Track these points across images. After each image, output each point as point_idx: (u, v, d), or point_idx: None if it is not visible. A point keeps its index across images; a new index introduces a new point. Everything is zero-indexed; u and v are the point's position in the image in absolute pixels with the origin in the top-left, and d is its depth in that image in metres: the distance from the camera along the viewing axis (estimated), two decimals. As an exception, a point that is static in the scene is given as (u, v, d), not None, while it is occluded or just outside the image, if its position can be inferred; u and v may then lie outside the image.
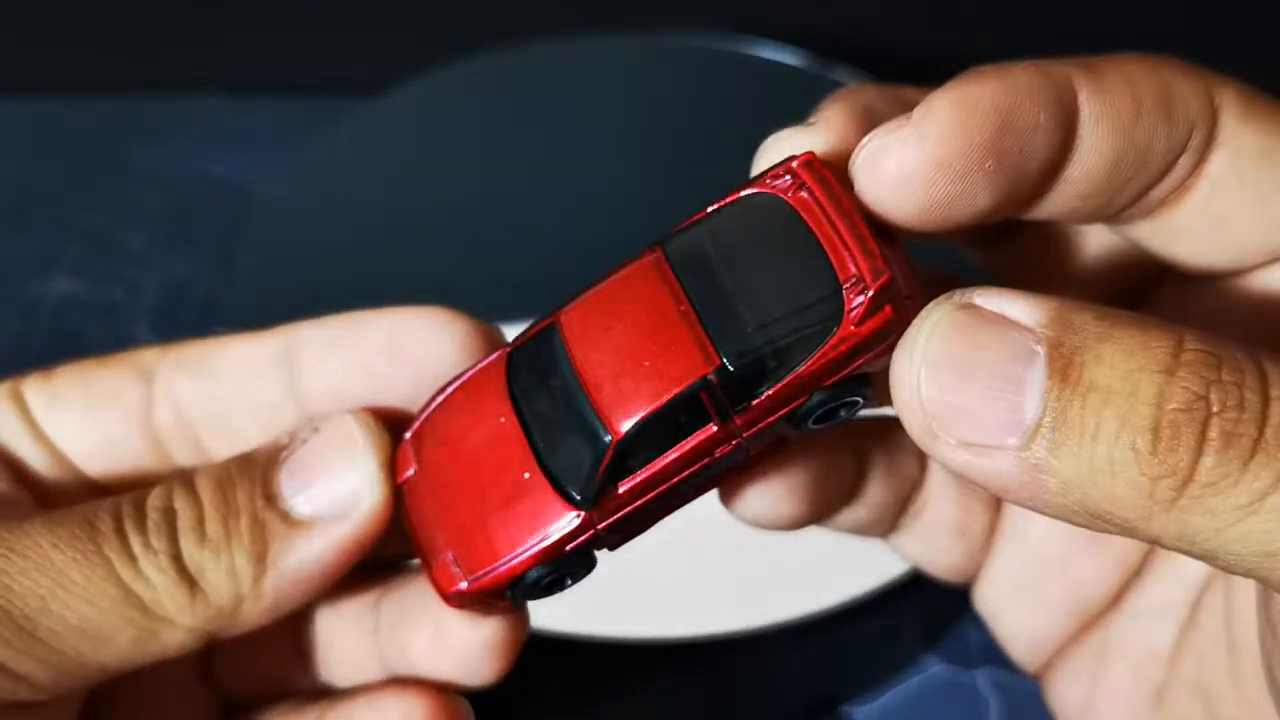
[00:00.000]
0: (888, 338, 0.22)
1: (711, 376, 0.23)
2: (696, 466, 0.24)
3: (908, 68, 0.66)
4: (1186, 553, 0.21)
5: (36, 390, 0.28)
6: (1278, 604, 0.24)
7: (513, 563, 0.24)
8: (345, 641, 0.29)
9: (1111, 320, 0.20)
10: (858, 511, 0.29)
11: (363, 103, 0.63)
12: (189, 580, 0.24)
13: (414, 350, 0.27)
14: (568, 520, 0.24)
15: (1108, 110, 0.23)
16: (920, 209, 0.23)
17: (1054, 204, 0.24)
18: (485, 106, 0.64)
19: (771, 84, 0.64)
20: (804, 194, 0.23)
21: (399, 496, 0.26)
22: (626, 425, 0.23)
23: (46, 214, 0.63)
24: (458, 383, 0.26)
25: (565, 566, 0.25)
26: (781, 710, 0.44)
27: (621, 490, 0.24)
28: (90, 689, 0.26)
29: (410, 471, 0.26)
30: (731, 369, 0.23)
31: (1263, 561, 0.20)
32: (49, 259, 0.61)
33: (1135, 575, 0.29)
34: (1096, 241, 0.28)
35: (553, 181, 0.61)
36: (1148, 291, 0.28)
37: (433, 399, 0.26)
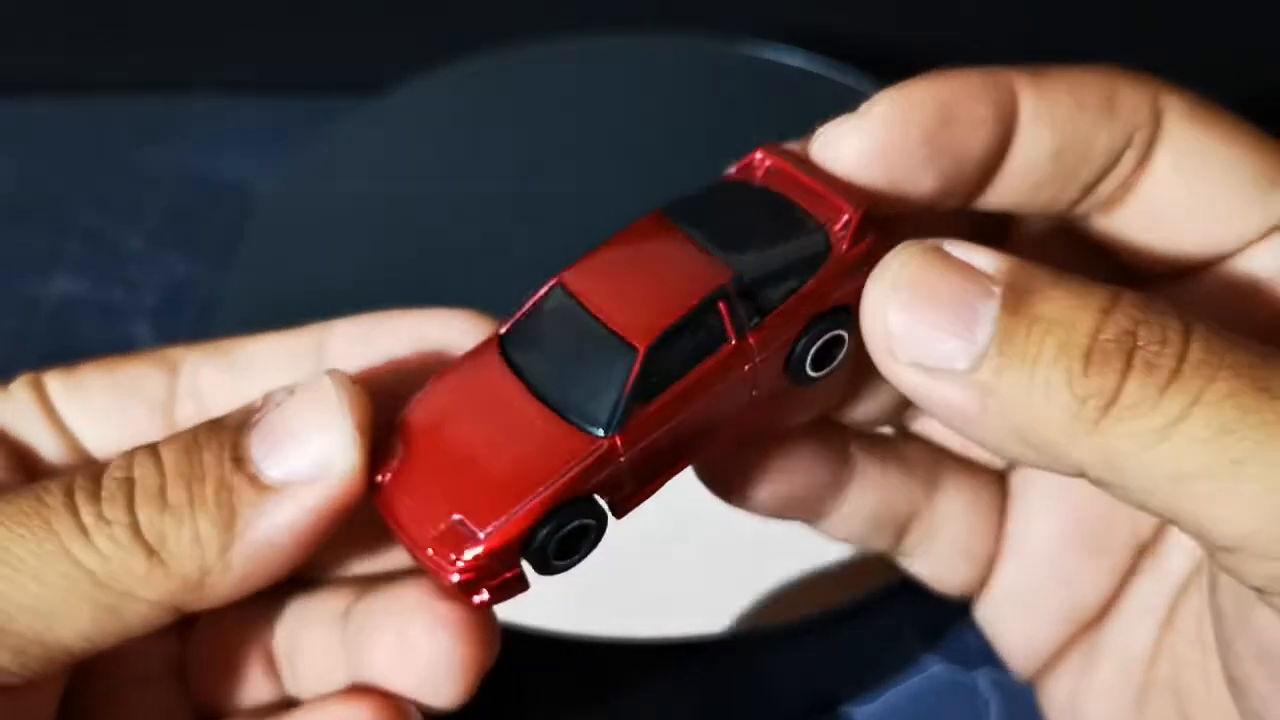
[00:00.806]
0: (871, 263, 0.24)
1: (729, 285, 0.24)
2: (715, 392, 0.24)
3: (908, 68, 0.66)
4: (1107, 485, 0.22)
5: (59, 381, 0.28)
6: (1222, 590, 0.24)
7: (531, 502, 0.23)
8: (313, 652, 0.28)
9: (1061, 275, 0.23)
10: (846, 520, 0.30)
11: (362, 103, 0.63)
12: (146, 549, 0.23)
13: (441, 347, 0.27)
14: (590, 450, 0.24)
15: (1048, 107, 0.25)
16: (870, 192, 0.25)
17: (1006, 193, 0.26)
18: (485, 106, 0.64)
19: (772, 84, 0.64)
20: (772, 175, 0.26)
21: (376, 493, 0.25)
22: (653, 335, 0.24)
23: (46, 214, 0.63)
24: (444, 374, 0.25)
25: (583, 513, 0.24)
26: (781, 710, 0.44)
27: (650, 409, 0.24)
28: (67, 672, 0.25)
29: (392, 464, 0.25)
30: (745, 280, 0.24)
31: (1174, 490, 0.22)
32: (48, 259, 0.61)
33: (1127, 578, 0.29)
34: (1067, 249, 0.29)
35: (553, 181, 0.62)
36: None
37: (416, 393, 0.25)
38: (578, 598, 0.43)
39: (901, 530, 0.30)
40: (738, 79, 0.64)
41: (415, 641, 0.26)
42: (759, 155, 0.27)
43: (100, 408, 0.28)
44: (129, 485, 0.24)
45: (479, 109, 0.64)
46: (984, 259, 0.23)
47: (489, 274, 0.55)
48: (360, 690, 0.27)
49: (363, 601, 0.27)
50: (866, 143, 0.25)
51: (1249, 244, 0.26)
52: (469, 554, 0.23)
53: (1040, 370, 0.22)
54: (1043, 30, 0.70)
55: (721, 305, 0.24)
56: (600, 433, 0.24)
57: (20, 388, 0.28)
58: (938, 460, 0.30)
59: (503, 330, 0.25)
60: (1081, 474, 0.23)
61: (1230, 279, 0.26)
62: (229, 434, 0.24)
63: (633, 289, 0.25)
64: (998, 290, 0.22)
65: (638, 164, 0.63)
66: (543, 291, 0.25)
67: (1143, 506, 0.22)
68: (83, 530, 0.23)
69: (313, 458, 0.24)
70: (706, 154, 0.64)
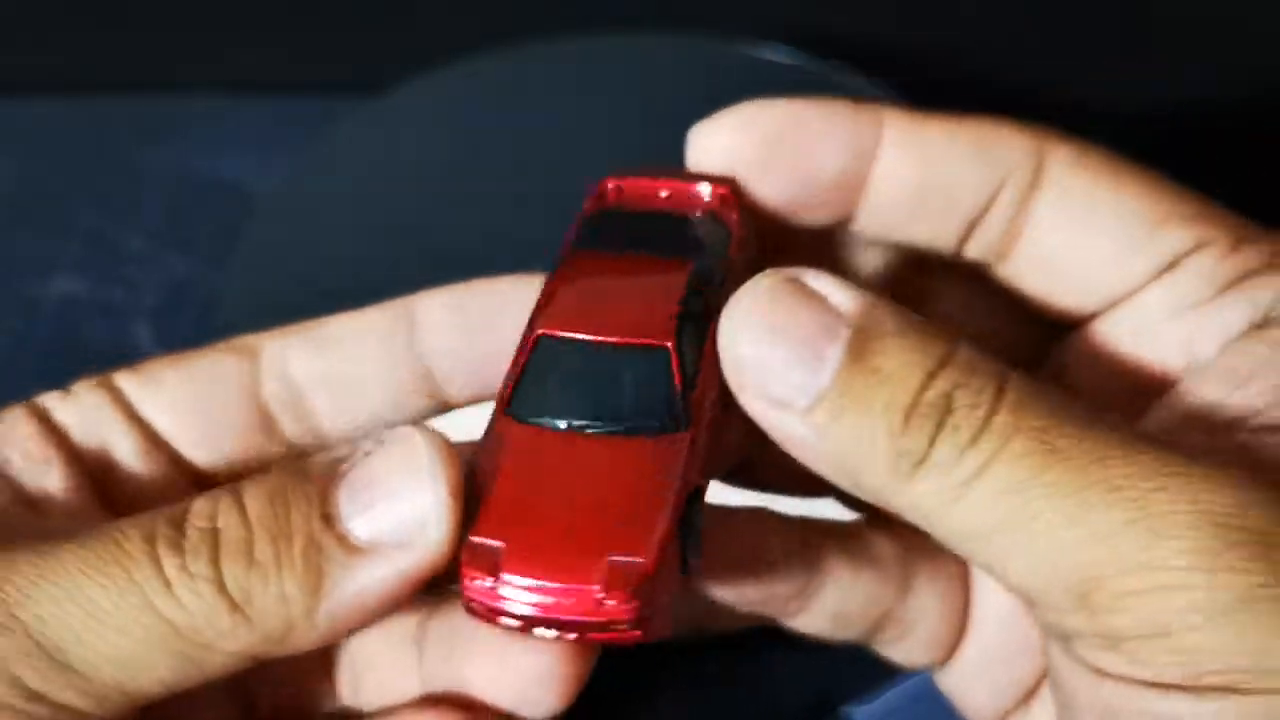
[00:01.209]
0: (756, 241, 0.27)
1: (697, 269, 0.26)
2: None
3: (907, 68, 0.66)
4: (924, 527, 0.24)
5: (128, 379, 0.28)
6: (1051, 653, 0.25)
7: (666, 511, 0.23)
8: (384, 663, 0.28)
9: (908, 321, 0.24)
10: (815, 619, 0.30)
11: (363, 103, 0.63)
12: (231, 604, 0.23)
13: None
14: (680, 445, 0.24)
15: (914, 139, 0.27)
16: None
17: (876, 219, 0.28)
18: (485, 106, 0.64)
19: (771, 85, 0.64)
20: (628, 194, 0.29)
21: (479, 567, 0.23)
22: (671, 329, 0.25)
23: (46, 214, 0.63)
24: (477, 458, 0.25)
25: (700, 507, 0.25)
26: (781, 710, 0.44)
27: (696, 394, 0.25)
28: (133, 713, 0.24)
29: (491, 530, 0.23)
30: (700, 264, 0.26)
31: (974, 545, 0.23)
32: (48, 259, 0.61)
33: None
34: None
35: (552, 181, 0.61)
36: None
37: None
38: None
39: (874, 627, 0.30)
40: (737, 79, 0.64)
41: (516, 660, 0.26)
42: (610, 183, 0.29)
43: (179, 399, 0.27)
44: (213, 537, 0.23)
45: (479, 109, 0.64)
46: (840, 295, 0.24)
47: (489, 274, 0.55)
48: (438, 702, 0.27)
49: (442, 614, 0.27)
50: (723, 141, 0.28)
51: (1139, 288, 0.27)
52: (638, 584, 0.22)
53: (865, 422, 0.23)
54: (1042, 30, 0.70)
55: (700, 287, 0.26)
56: (676, 428, 0.24)
57: (86, 389, 0.28)
58: (910, 555, 0.30)
59: (506, 405, 0.25)
60: (900, 516, 0.24)
61: (1123, 325, 0.28)
62: (316, 486, 0.24)
63: (618, 306, 0.25)
64: (845, 333, 0.23)
65: (636, 163, 0.63)
66: (528, 350, 0.25)
67: (955, 551, 0.24)
68: (166, 583, 0.23)
69: (404, 521, 0.23)
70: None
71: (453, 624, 0.27)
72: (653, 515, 0.23)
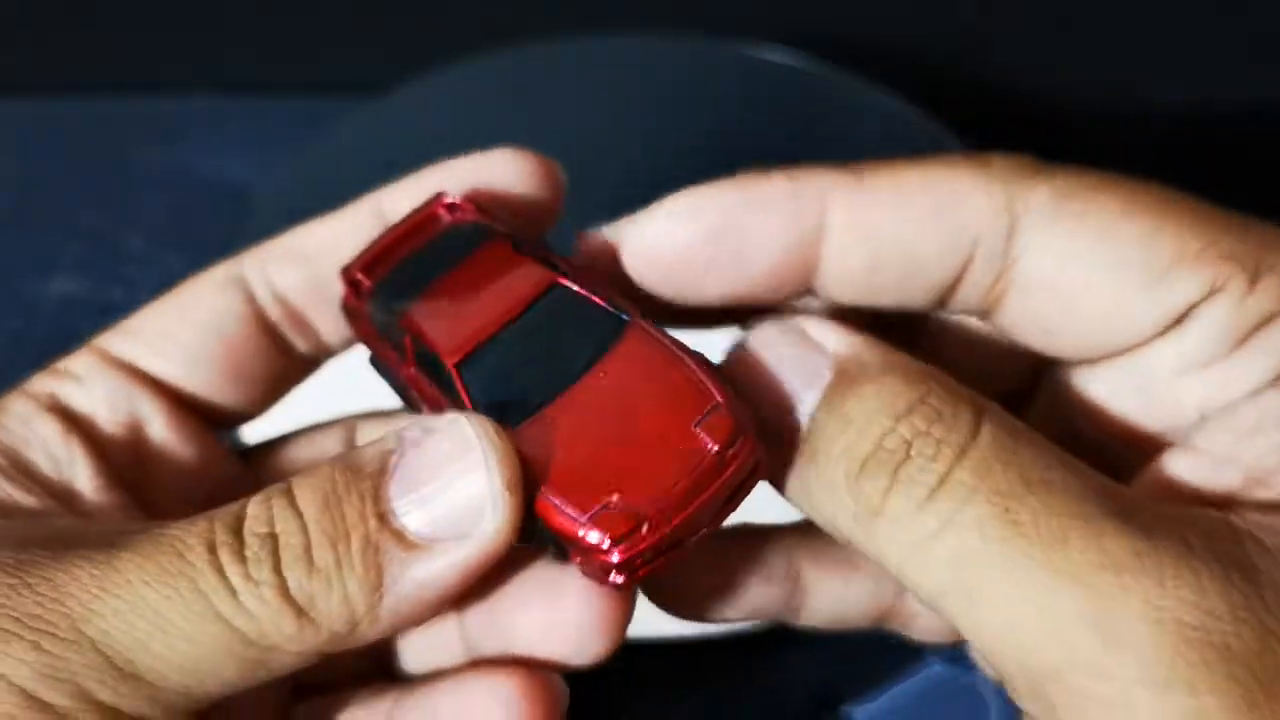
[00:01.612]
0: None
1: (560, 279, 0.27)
2: None
3: (906, 68, 0.66)
4: (892, 575, 0.23)
5: (123, 343, 0.28)
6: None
7: (705, 372, 0.25)
8: (423, 630, 0.28)
9: (889, 364, 0.24)
10: (814, 618, 0.30)
11: (363, 103, 0.63)
12: (296, 610, 0.23)
13: (500, 182, 0.29)
14: (645, 336, 0.25)
15: (860, 220, 0.26)
16: (662, 281, 0.27)
17: (839, 293, 0.27)
18: (485, 107, 0.64)
19: (771, 85, 0.64)
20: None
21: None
22: (546, 274, 0.26)
23: (46, 214, 0.63)
24: None
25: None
26: (781, 710, 0.44)
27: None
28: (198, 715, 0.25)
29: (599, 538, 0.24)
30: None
31: (929, 598, 0.22)
32: (49, 259, 0.61)
33: None
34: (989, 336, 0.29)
35: (553, 181, 0.61)
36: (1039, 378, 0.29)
37: None
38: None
39: (878, 619, 0.30)
40: (736, 79, 0.64)
41: (567, 608, 0.26)
42: (356, 273, 0.28)
43: (185, 342, 0.28)
44: (273, 543, 0.23)
45: (478, 109, 0.64)
46: (834, 338, 0.24)
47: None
48: (494, 664, 0.27)
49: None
50: (656, 240, 0.27)
51: (1145, 342, 0.25)
52: (731, 427, 0.24)
53: (828, 468, 0.23)
54: (1039, 30, 0.70)
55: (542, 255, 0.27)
56: (620, 324, 0.26)
57: (90, 369, 0.28)
58: None
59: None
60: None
61: (1126, 377, 0.25)
62: (369, 483, 0.23)
63: (485, 298, 0.26)
64: (828, 375, 0.24)
65: (637, 164, 0.63)
66: (456, 381, 0.25)
67: (922, 601, 0.23)
68: (231, 592, 0.23)
69: (460, 513, 0.23)
70: (705, 154, 0.64)
71: (493, 583, 0.27)
72: (697, 386, 0.24)
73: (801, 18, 0.68)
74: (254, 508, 0.24)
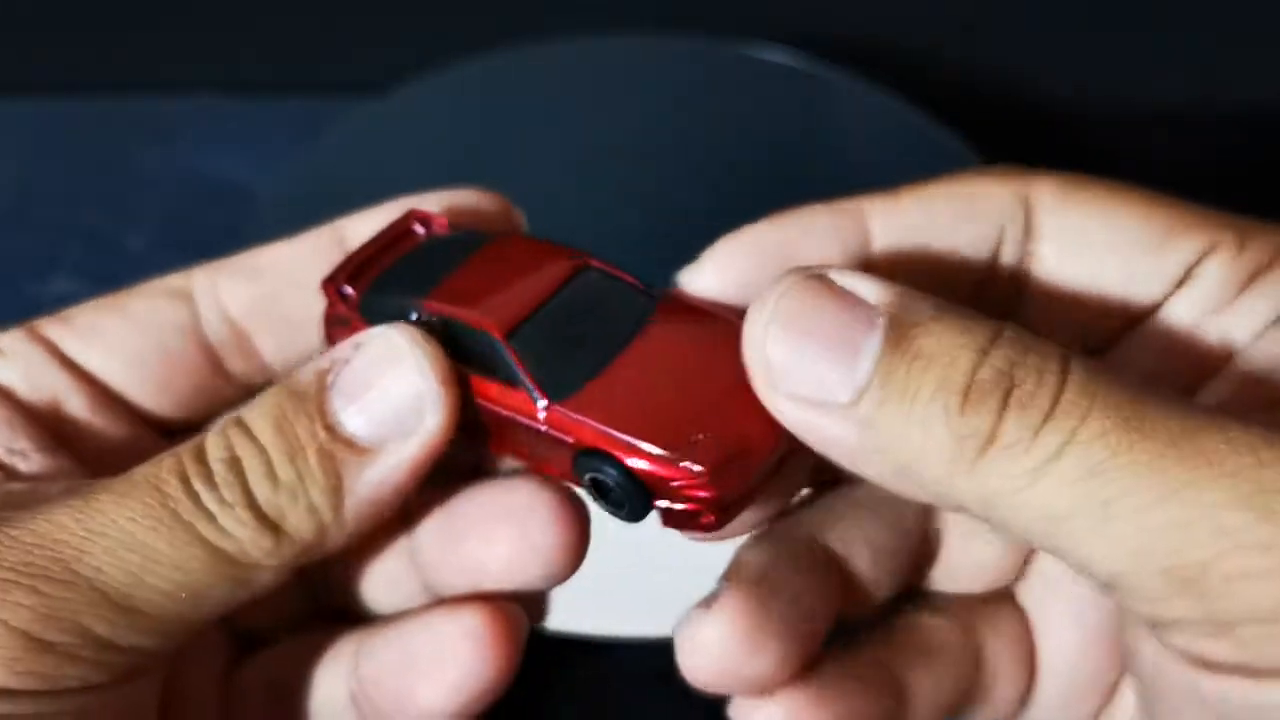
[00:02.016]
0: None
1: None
2: None
3: (906, 70, 0.66)
4: (984, 520, 0.22)
5: (59, 329, 0.28)
6: (1137, 646, 0.24)
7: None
8: (379, 565, 0.29)
9: (945, 307, 0.23)
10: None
11: (363, 103, 0.63)
12: (270, 526, 0.24)
13: (467, 216, 0.29)
14: (677, 303, 0.26)
15: (897, 226, 0.26)
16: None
17: None
18: (484, 107, 0.64)
19: (771, 84, 0.64)
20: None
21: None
22: (579, 255, 0.27)
23: (46, 214, 0.63)
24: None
25: None
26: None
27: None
28: (184, 646, 0.26)
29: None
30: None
31: (1049, 527, 0.22)
32: (49, 259, 0.61)
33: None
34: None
35: (551, 181, 0.62)
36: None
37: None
38: (578, 597, 0.43)
39: (962, 702, 0.29)
40: (737, 79, 0.65)
41: (535, 536, 0.26)
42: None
43: (119, 345, 0.28)
44: (238, 465, 0.25)
45: (478, 110, 0.64)
46: (869, 288, 0.23)
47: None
48: (457, 601, 0.27)
49: (455, 505, 0.28)
50: (712, 281, 0.26)
51: (1159, 304, 0.26)
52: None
53: (919, 407, 0.22)
54: (1036, 30, 0.70)
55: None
56: (650, 294, 0.26)
57: (16, 343, 0.28)
58: (971, 624, 0.29)
59: (551, 401, 0.25)
60: (961, 509, 0.23)
61: (1149, 340, 0.27)
62: (312, 402, 0.25)
63: (516, 279, 0.26)
64: (880, 322, 0.23)
65: (636, 163, 0.63)
66: (508, 350, 0.25)
67: (1016, 540, 0.23)
68: (210, 517, 0.24)
69: (401, 413, 0.25)
70: (704, 154, 0.64)
71: (455, 517, 0.27)
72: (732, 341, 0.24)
73: (801, 18, 0.68)
74: (212, 439, 0.25)
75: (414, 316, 0.26)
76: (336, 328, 0.28)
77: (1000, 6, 0.69)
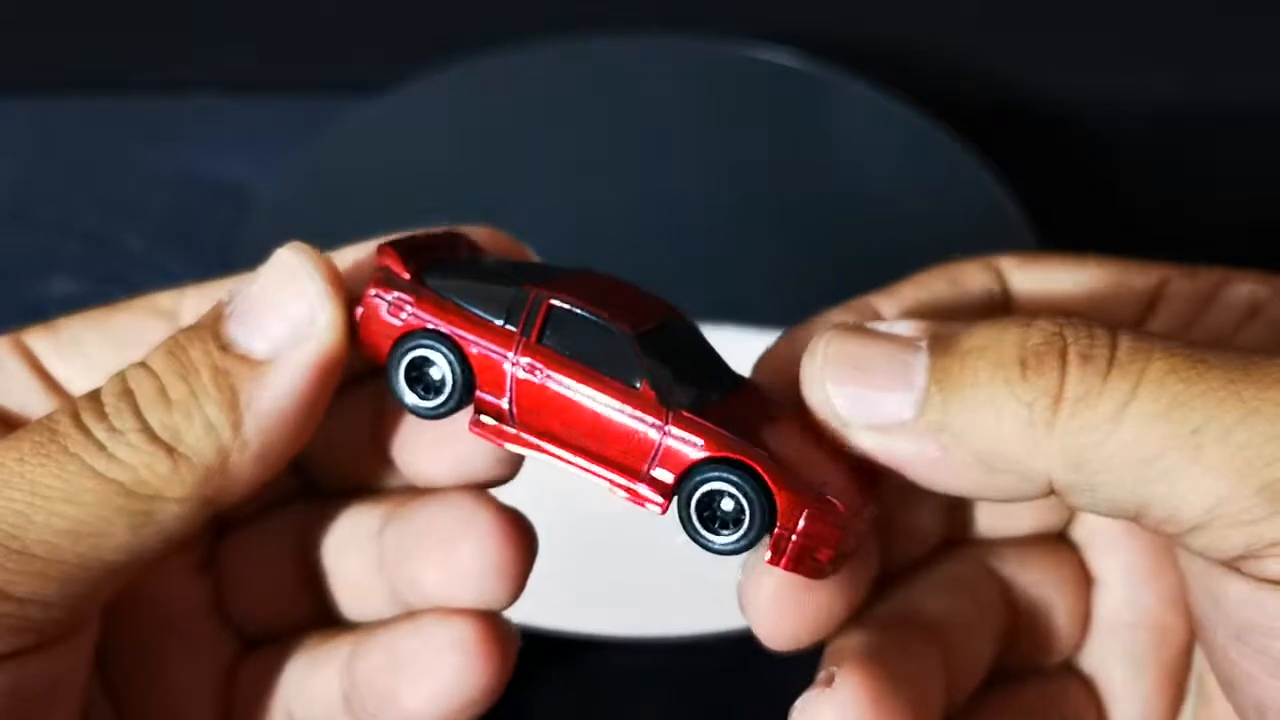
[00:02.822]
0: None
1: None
2: None
3: (905, 71, 0.67)
4: (1076, 489, 0.23)
5: (43, 341, 0.28)
6: (1196, 586, 0.25)
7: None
8: (351, 573, 0.28)
9: (973, 321, 0.24)
10: None
11: (361, 103, 0.63)
12: (165, 448, 0.24)
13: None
14: None
15: (903, 310, 0.28)
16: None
17: None
18: (484, 106, 0.64)
19: (771, 85, 0.64)
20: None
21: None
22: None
23: (46, 214, 0.63)
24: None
25: None
26: (781, 708, 0.44)
27: None
28: (104, 601, 0.25)
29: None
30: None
31: (1143, 473, 0.22)
32: (49, 259, 0.61)
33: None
34: None
35: (551, 181, 0.62)
36: None
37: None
38: (578, 597, 0.43)
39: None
40: (736, 80, 0.65)
41: (463, 559, 0.26)
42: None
43: (100, 362, 0.28)
44: (130, 396, 0.24)
45: (477, 109, 0.64)
46: (904, 325, 0.25)
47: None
48: (451, 609, 0.27)
49: (396, 523, 0.28)
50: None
51: (1136, 322, 0.28)
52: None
53: (981, 390, 0.23)
54: (1036, 31, 0.70)
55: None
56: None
57: (3, 354, 0.28)
58: (1053, 704, 0.29)
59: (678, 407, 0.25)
60: (1048, 489, 0.23)
61: None
62: (207, 328, 0.25)
63: (613, 301, 0.26)
64: (923, 343, 0.24)
65: (636, 163, 0.63)
66: (637, 351, 0.25)
67: (1113, 503, 0.23)
68: (100, 446, 0.23)
69: (294, 321, 0.25)
70: (703, 153, 0.64)
71: (404, 530, 0.27)
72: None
73: (801, 18, 0.68)
74: (108, 380, 0.25)
75: (522, 295, 0.25)
76: (392, 289, 0.26)
77: (1000, 7, 0.69)
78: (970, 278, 0.29)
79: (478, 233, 0.29)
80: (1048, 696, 0.29)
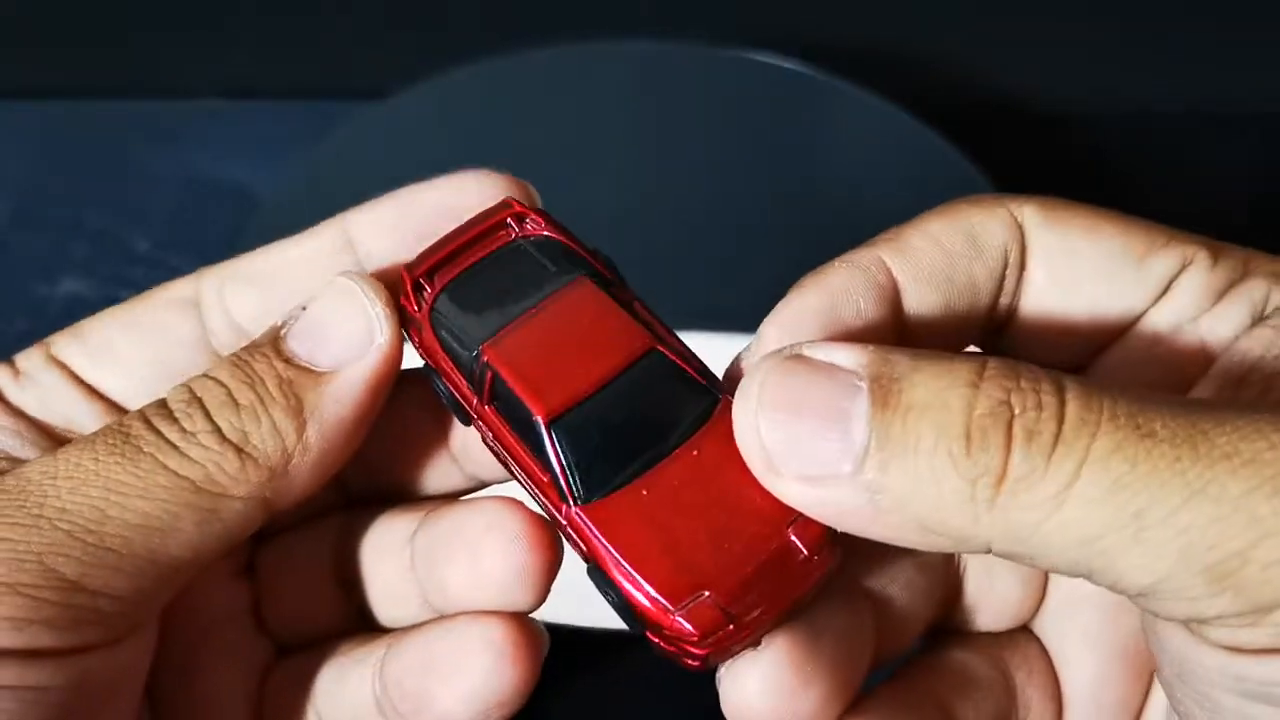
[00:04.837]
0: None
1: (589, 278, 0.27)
2: None
3: (904, 75, 0.67)
4: (1016, 557, 0.22)
5: (74, 349, 0.29)
6: (1148, 628, 0.24)
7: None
8: (385, 578, 0.29)
9: (922, 355, 0.23)
10: None
11: (364, 107, 0.63)
12: (235, 448, 0.25)
13: (468, 208, 0.29)
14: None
15: (921, 275, 0.26)
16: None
17: (915, 342, 0.26)
18: (485, 111, 0.64)
19: (769, 90, 0.64)
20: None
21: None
22: (646, 335, 0.26)
23: (54, 216, 0.63)
24: None
25: None
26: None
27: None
28: (167, 601, 0.26)
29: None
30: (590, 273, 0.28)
31: (1082, 551, 0.21)
32: (56, 260, 0.61)
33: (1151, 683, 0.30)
34: None
35: (551, 185, 0.62)
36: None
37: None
38: (578, 592, 0.43)
39: None
40: (735, 84, 0.65)
41: (487, 561, 0.27)
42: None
43: (133, 363, 0.29)
44: (199, 402, 0.26)
45: (479, 114, 0.64)
46: (844, 354, 0.23)
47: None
48: (484, 612, 0.27)
49: (427, 527, 0.28)
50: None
51: (1141, 314, 0.27)
52: (820, 537, 0.24)
53: (923, 459, 0.22)
54: (1035, 34, 0.70)
55: (616, 292, 0.27)
56: (714, 403, 0.26)
57: (39, 369, 0.28)
58: (1002, 658, 0.29)
59: (573, 499, 0.25)
60: (988, 550, 0.23)
61: (1133, 350, 0.27)
62: (268, 345, 0.27)
63: (576, 348, 0.26)
64: (863, 385, 0.22)
65: (635, 168, 0.63)
66: (549, 439, 0.25)
67: (1053, 569, 0.22)
68: (173, 445, 0.25)
69: (355, 338, 0.27)
70: (703, 156, 0.64)
71: (432, 534, 0.28)
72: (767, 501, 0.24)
73: (799, 24, 0.68)
74: (172, 390, 0.26)
75: (475, 358, 0.26)
76: (408, 323, 0.28)
77: (997, 11, 0.69)
78: (990, 235, 0.27)
79: (496, 180, 0.30)
80: (994, 650, 0.29)
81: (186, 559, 0.25)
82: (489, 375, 0.26)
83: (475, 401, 0.26)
